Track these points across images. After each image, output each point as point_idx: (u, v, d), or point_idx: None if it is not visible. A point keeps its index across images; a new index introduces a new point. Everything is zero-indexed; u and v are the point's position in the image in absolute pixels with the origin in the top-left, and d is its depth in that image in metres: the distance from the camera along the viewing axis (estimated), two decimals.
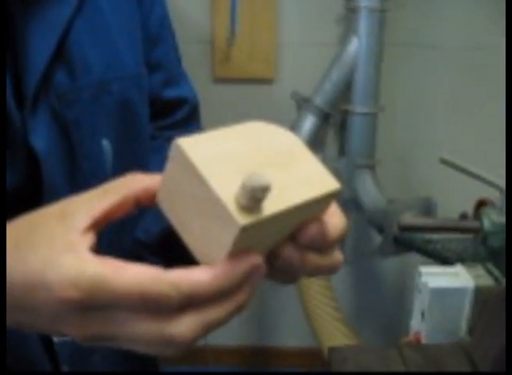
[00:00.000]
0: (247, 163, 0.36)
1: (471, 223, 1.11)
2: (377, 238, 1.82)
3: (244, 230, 0.34)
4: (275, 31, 1.96)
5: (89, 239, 0.37)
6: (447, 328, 1.00)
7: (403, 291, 2.19)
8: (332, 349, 0.91)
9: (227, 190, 0.34)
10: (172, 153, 0.36)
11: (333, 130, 2.03)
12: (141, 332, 0.35)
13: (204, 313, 0.35)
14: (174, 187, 0.37)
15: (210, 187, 0.34)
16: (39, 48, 0.53)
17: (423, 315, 1.01)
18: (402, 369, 0.84)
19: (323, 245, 0.39)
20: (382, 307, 2.24)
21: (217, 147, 0.37)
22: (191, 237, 0.37)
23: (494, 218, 1.08)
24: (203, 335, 0.35)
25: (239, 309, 0.36)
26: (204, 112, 2.41)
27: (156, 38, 0.67)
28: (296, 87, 1.94)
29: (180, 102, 0.74)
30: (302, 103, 1.91)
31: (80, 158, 0.57)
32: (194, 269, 0.35)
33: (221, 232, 0.35)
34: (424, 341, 1.01)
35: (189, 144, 0.36)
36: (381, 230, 1.71)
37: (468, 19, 1.96)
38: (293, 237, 0.39)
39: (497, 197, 1.17)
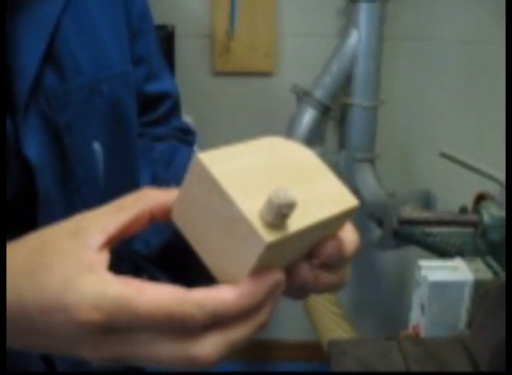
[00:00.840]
0: (269, 179, 0.36)
1: (471, 217, 1.11)
2: (376, 231, 1.82)
3: (269, 247, 0.33)
4: (275, 24, 1.96)
5: (105, 257, 0.36)
6: (446, 321, 1.00)
7: (402, 285, 2.20)
8: (331, 342, 0.91)
9: (251, 206, 0.34)
10: (191, 168, 0.35)
11: (333, 123, 2.02)
12: (165, 353, 0.34)
13: (229, 333, 0.34)
14: (192, 202, 0.36)
15: (234, 203, 0.33)
16: (29, 50, 0.52)
17: (422, 308, 1.01)
18: (401, 362, 0.85)
19: (339, 262, 0.39)
20: (381, 300, 2.25)
21: (238, 162, 0.36)
22: (209, 254, 0.36)
23: (493, 212, 1.08)
24: (227, 355, 0.35)
25: (262, 327, 0.36)
26: (204, 106, 2.41)
27: (137, 32, 0.66)
28: (296, 80, 1.93)
29: (163, 97, 0.72)
30: (302, 96, 1.90)
31: (72, 163, 0.55)
32: (218, 288, 0.34)
33: (244, 249, 0.34)
34: (423, 334, 1.01)
35: (210, 160, 0.35)
36: (380, 223, 1.71)
37: (469, 12, 1.96)
38: (308, 255, 0.38)
39: (497, 190, 1.17)
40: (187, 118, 2.13)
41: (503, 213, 1.07)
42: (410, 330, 1.05)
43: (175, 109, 0.75)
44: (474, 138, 2.02)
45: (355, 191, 1.87)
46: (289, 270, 0.38)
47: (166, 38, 1.91)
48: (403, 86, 2.03)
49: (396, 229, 1.53)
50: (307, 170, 0.40)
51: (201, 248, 0.36)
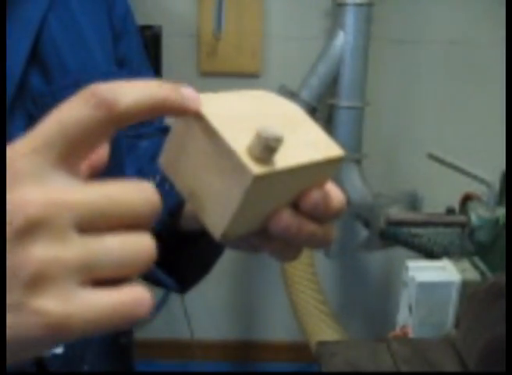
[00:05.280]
0: (257, 122, 0.35)
1: (459, 218, 1.12)
2: (363, 232, 1.82)
3: (257, 180, 0.33)
4: (262, 25, 1.96)
5: None
6: (434, 322, 1.01)
7: (389, 285, 2.20)
8: (320, 344, 0.91)
9: (239, 142, 0.34)
10: None
11: (320, 124, 2.03)
12: None
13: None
14: (180, 147, 0.36)
15: (222, 138, 0.33)
16: (14, 50, 0.51)
17: (410, 309, 1.02)
18: (390, 363, 0.85)
19: (324, 214, 0.39)
20: (368, 301, 2.26)
21: (227, 105, 0.36)
22: (198, 198, 0.36)
23: (481, 212, 1.08)
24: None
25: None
26: None
27: (120, 34, 0.66)
28: (283, 81, 1.93)
29: None
30: (289, 97, 1.90)
31: None
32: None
33: (231, 185, 0.34)
34: (411, 334, 1.02)
35: (202, 100, 0.35)
36: (367, 224, 1.71)
37: (455, 13, 1.97)
38: (293, 205, 0.38)
39: (482, 191, 1.18)
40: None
41: (491, 214, 1.07)
42: (397, 330, 1.05)
43: None
44: (461, 139, 2.04)
45: (341, 191, 1.87)
46: (272, 216, 0.38)
47: (153, 39, 1.90)
48: (389, 87, 2.04)
49: (382, 230, 1.53)
50: (295, 120, 0.40)
51: (191, 194, 0.36)
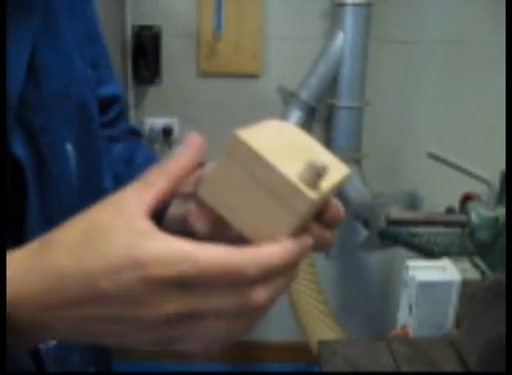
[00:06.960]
0: (290, 151, 0.42)
1: (459, 217, 1.12)
2: (363, 232, 1.82)
3: (312, 204, 0.39)
4: (262, 25, 1.96)
5: (153, 225, 0.39)
6: (434, 321, 1.01)
7: (388, 285, 2.21)
8: (321, 343, 0.92)
9: (290, 172, 0.39)
10: (229, 146, 0.40)
11: (319, 124, 2.03)
12: (222, 303, 0.38)
13: (274, 283, 0.39)
14: (227, 177, 0.40)
15: (278, 170, 0.39)
16: (14, 66, 0.52)
17: (410, 308, 1.02)
18: (391, 362, 0.85)
19: (337, 223, 0.45)
20: (367, 301, 2.26)
21: (265, 138, 0.41)
22: (246, 222, 0.41)
23: (481, 212, 1.09)
24: (273, 301, 0.39)
25: (293, 280, 0.42)
26: (190, 107, 2.40)
27: (91, 38, 0.68)
28: (283, 81, 1.94)
29: (113, 100, 0.74)
30: (288, 98, 1.91)
31: (49, 164, 0.57)
32: (265, 246, 0.39)
33: (286, 209, 0.39)
34: (411, 333, 1.02)
35: (248, 136, 0.39)
36: (367, 224, 1.72)
37: (455, 13, 1.97)
38: (315, 217, 0.44)
39: (482, 190, 1.18)
40: (172, 120, 2.14)
41: (491, 213, 1.08)
42: (398, 330, 1.05)
43: (123, 113, 0.77)
44: (460, 138, 2.04)
45: (341, 191, 1.88)
46: (304, 229, 0.43)
47: (153, 39, 1.90)
48: (388, 87, 2.04)
49: (382, 229, 1.53)
50: (310, 145, 0.46)
51: (237, 218, 0.41)
